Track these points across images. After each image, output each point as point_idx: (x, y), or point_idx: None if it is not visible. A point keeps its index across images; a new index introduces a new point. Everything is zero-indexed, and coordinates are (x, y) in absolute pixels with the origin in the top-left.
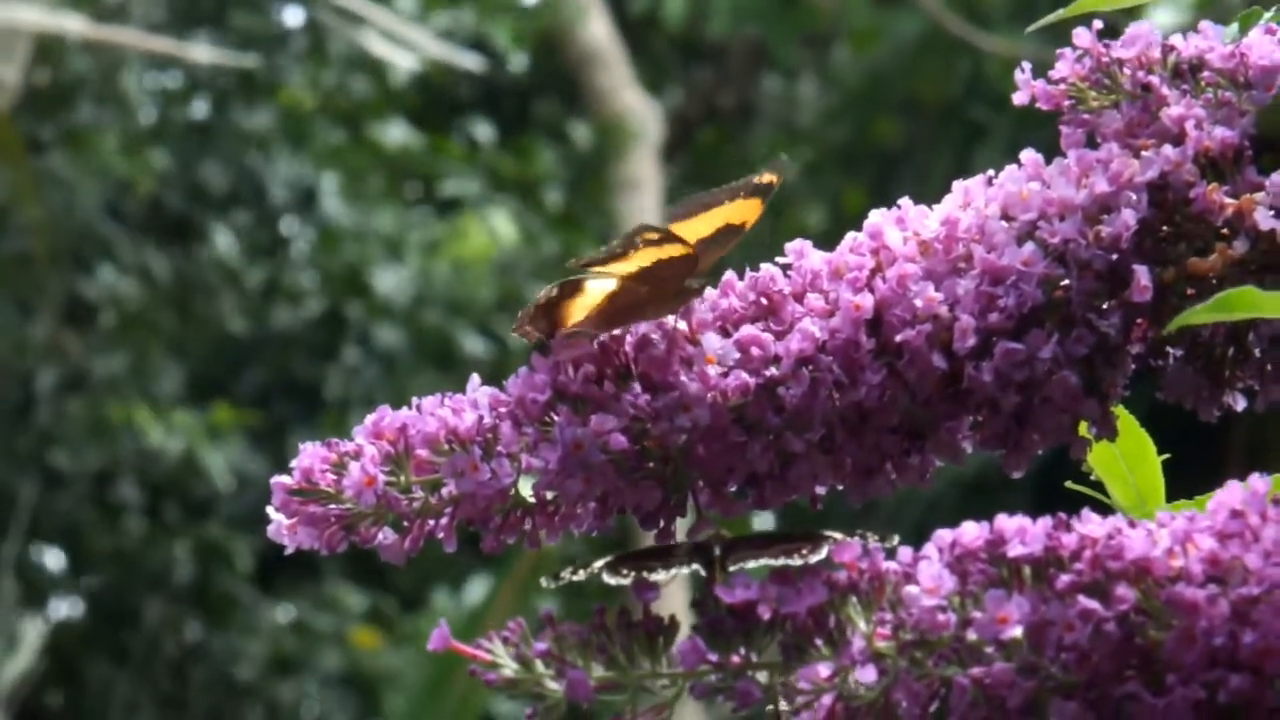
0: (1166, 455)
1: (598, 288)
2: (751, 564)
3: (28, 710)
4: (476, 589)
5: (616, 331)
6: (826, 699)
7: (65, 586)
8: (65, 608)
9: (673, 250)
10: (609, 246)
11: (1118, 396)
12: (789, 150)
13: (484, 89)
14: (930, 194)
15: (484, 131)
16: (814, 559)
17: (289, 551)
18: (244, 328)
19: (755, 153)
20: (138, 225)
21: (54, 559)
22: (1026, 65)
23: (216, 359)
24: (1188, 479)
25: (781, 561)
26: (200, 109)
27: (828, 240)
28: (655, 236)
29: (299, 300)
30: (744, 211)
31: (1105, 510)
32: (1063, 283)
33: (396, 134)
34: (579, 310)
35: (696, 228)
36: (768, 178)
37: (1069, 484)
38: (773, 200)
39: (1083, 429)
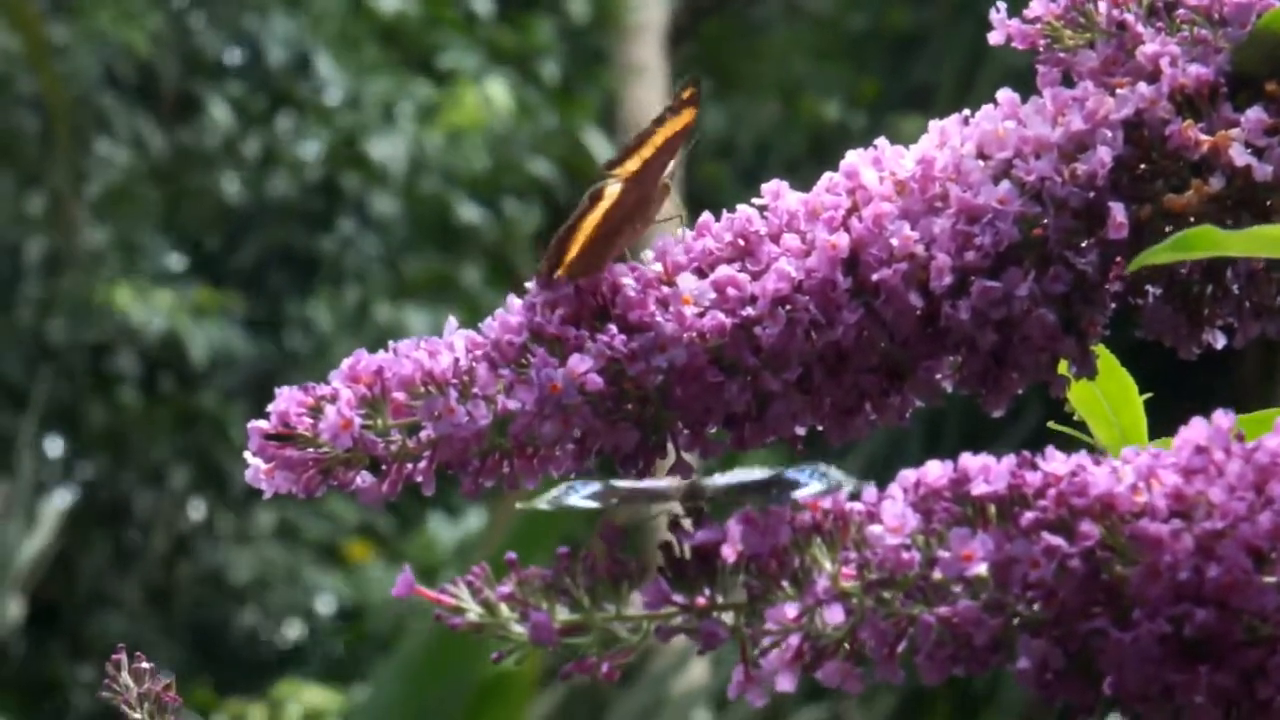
0: (1149, 395)
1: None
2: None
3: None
4: (474, 518)
5: (592, 274)
6: (794, 639)
7: (64, 474)
8: (65, 495)
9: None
10: (627, 143)
11: (1097, 335)
12: (800, 39)
13: None
14: (943, 83)
15: (483, 4)
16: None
17: (267, 496)
18: (241, 198)
19: (766, 45)
20: (134, 96)
21: (54, 446)
22: (1001, 5)
23: (213, 231)
24: (1176, 419)
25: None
26: None
27: (842, 132)
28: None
29: (296, 170)
30: (682, 120)
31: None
32: (1040, 221)
33: (391, 1)
34: (576, 242)
35: (643, 154)
36: (688, 91)
37: (1051, 424)
38: (787, 90)
39: (1063, 368)
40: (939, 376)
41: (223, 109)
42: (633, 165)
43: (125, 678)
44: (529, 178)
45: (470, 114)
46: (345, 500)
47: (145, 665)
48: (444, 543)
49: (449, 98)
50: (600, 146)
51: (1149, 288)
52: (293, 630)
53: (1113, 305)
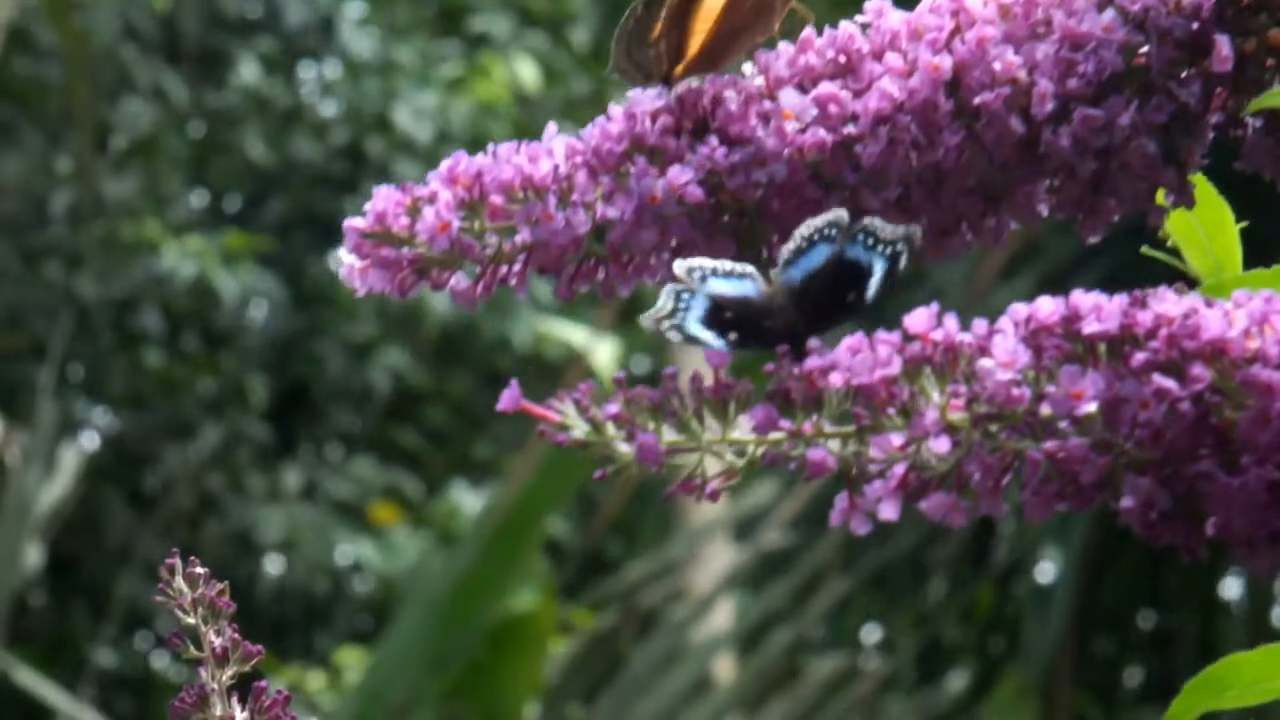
0: (1244, 224)
1: None
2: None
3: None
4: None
5: (694, 84)
6: (899, 469)
7: (88, 421)
8: (86, 442)
9: None
10: None
11: (1196, 165)
12: None
13: None
14: None
15: None
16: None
17: (360, 294)
18: (266, 156)
19: None
20: (156, 50)
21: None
22: None
23: (237, 188)
24: (1268, 250)
25: None
26: None
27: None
28: None
29: (321, 131)
30: None
31: (1181, 277)
32: (1142, 50)
33: None
34: (698, 34)
35: None
36: None
37: (1145, 250)
38: None
39: (1159, 197)
40: (1036, 200)
41: (249, 66)
42: None
43: (179, 582)
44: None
45: (497, 89)
46: (371, 463)
47: (199, 570)
48: (467, 509)
49: (477, 70)
50: None
51: (1249, 119)
52: (320, 589)
53: (1211, 136)
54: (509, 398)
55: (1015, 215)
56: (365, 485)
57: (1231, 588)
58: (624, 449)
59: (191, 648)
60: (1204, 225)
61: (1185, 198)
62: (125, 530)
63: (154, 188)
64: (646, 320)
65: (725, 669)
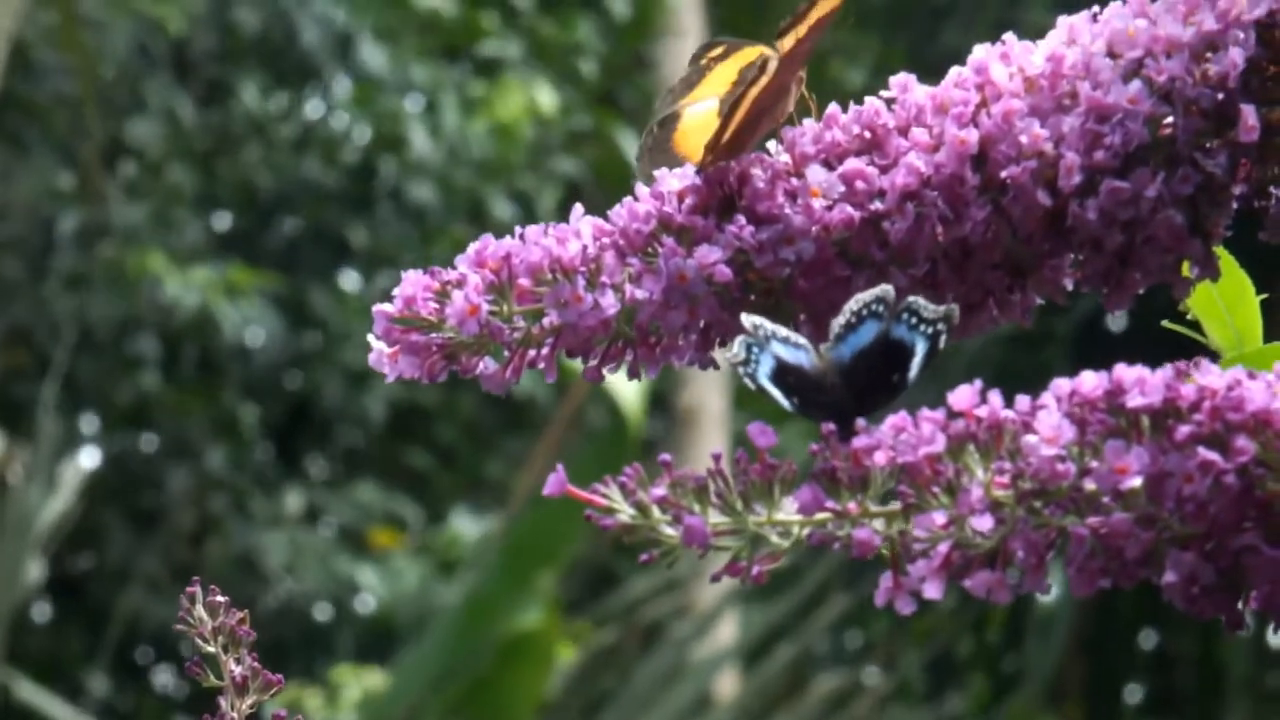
0: (1265, 296)
1: (696, 112)
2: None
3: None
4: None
5: (720, 163)
6: (943, 547)
7: (89, 438)
8: (87, 459)
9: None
10: (686, 77)
11: (1220, 237)
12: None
13: None
14: (972, 50)
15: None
16: None
17: (390, 380)
18: (272, 180)
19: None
20: (168, 71)
21: (87, 422)
22: None
23: (247, 209)
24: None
25: None
26: None
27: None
28: (721, 51)
29: (332, 151)
30: (830, 2)
31: (1201, 351)
32: (1167, 121)
33: None
34: (696, 135)
35: (797, 32)
36: None
37: (1166, 323)
38: (811, 60)
39: (1184, 269)
40: (1062, 275)
41: (253, 93)
42: (787, 43)
43: (200, 610)
44: (560, 177)
45: (515, 112)
46: (372, 488)
47: (220, 599)
48: (467, 538)
49: (496, 91)
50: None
51: (1273, 190)
52: (321, 613)
53: (1235, 207)
54: (555, 482)
55: (1041, 290)
56: (366, 510)
57: None
58: (670, 532)
59: (211, 676)
60: (1224, 297)
61: (1211, 270)
62: (127, 550)
63: (163, 213)
64: (724, 359)
65: (728, 685)
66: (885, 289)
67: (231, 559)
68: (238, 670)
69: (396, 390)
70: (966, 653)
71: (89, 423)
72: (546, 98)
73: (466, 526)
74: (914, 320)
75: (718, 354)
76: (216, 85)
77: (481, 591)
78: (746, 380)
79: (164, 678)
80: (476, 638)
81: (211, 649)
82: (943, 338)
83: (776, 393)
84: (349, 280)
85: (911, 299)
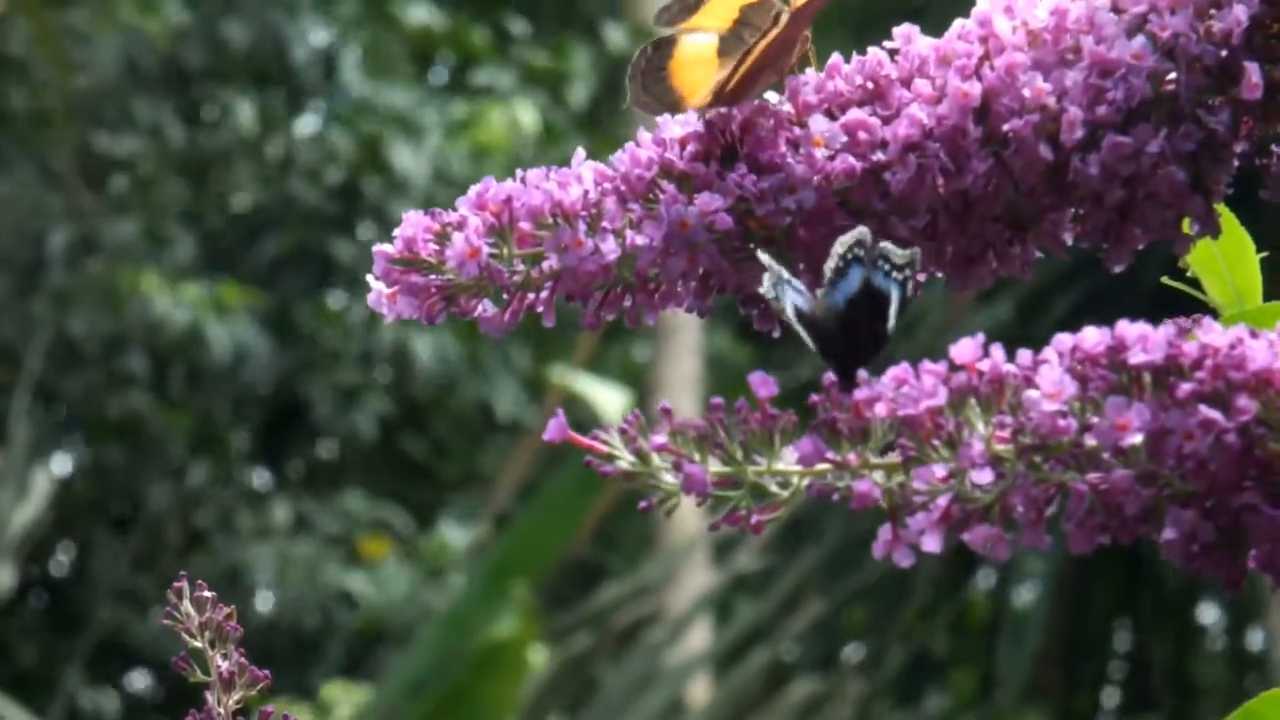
0: (1264, 254)
1: (694, 44)
2: None
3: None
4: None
5: (723, 110)
6: (942, 500)
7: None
8: (57, 466)
9: None
10: None
11: (1221, 194)
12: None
13: None
14: None
15: (519, 26)
16: None
17: (388, 320)
18: (258, 199)
19: None
20: (156, 87)
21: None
22: None
23: (232, 227)
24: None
25: None
26: None
27: None
28: None
29: (317, 172)
30: None
31: (1200, 307)
32: (1170, 77)
33: (419, 14)
34: (693, 69)
35: None
36: None
37: (1166, 280)
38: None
39: (1185, 226)
40: (1062, 229)
41: (246, 110)
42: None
43: (186, 606)
44: None
45: (496, 133)
46: (359, 496)
47: (206, 594)
48: (455, 545)
49: (477, 114)
50: None
51: (1275, 148)
52: (310, 622)
53: (1236, 164)
54: (556, 427)
55: (1041, 243)
56: (353, 519)
57: (1208, 613)
58: (670, 480)
59: (198, 671)
60: (1225, 255)
61: (1211, 227)
62: (111, 564)
63: (152, 231)
64: (761, 294)
65: (700, 691)
66: (862, 231)
67: (218, 573)
68: (224, 666)
69: (387, 405)
70: (944, 652)
71: (60, 430)
72: (528, 117)
73: (455, 535)
74: (887, 266)
75: (760, 289)
76: (204, 101)
77: (461, 600)
78: (780, 315)
79: (143, 679)
80: (452, 646)
81: (198, 644)
82: (909, 284)
83: (804, 332)
84: (335, 299)
85: (883, 244)
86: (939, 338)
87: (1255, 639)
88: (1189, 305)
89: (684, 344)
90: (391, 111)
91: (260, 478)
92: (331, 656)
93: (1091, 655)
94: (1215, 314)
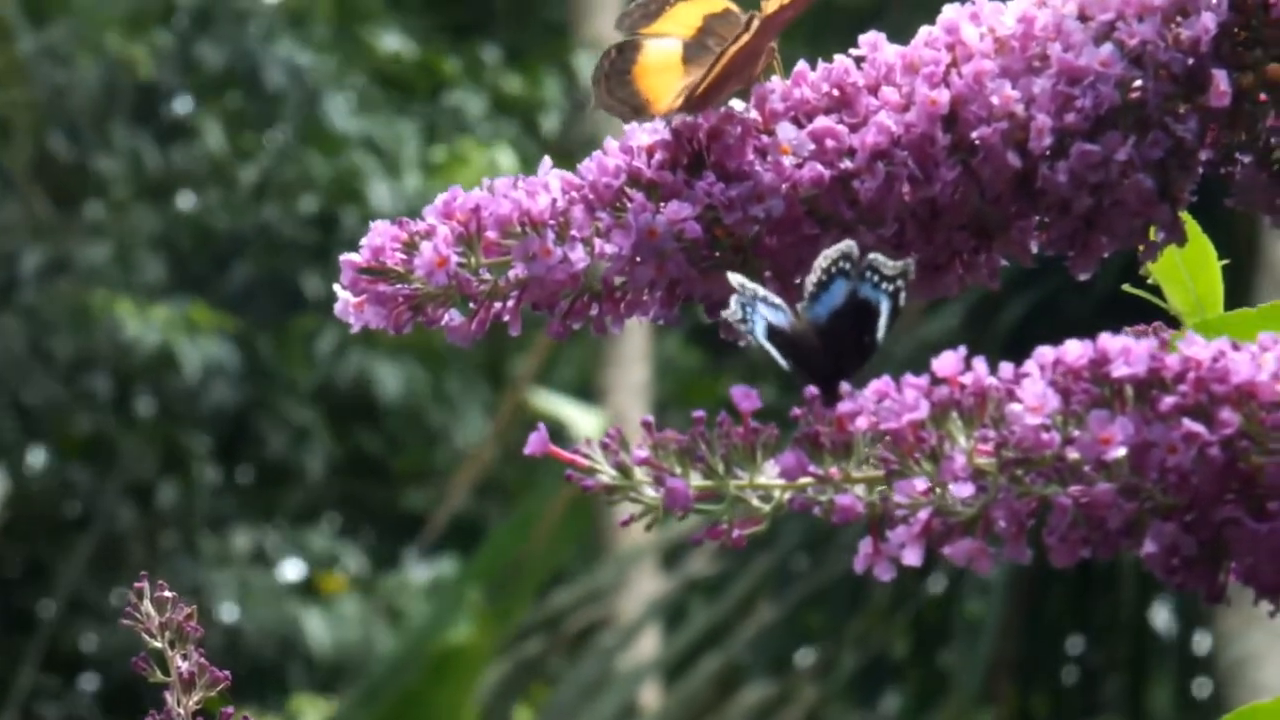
0: (1226, 261)
1: (658, 50)
2: None
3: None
4: (445, 565)
5: (690, 118)
6: (924, 514)
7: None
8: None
9: None
10: (644, 4)
11: (1186, 202)
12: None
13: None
14: None
15: (490, 54)
16: None
17: (355, 329)
18: (231, 224)
19: None
20: (133, 112)
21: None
22: None
23: (203, 252)
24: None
25: None
26: None
27: None
28: None
29: (290, 198)
30: None
31: (1155, 314)
32: (1137, 84)
33: (391, 41)
34: (658, 74)
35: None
36: None
37: (1127, 287)
38: None
39: (1151, 234)
40: (1029, 237)
41: (217, 135)
42: (771, 6)
43: (147, 606)
44: None
45: (474, 172)
46: (318, 533)
47: (167, 594)
48: (416, 582)
49: (455, 157)
50: None
51: (1240, 156)
52: (269, 650)
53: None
54: (537, 441)
55: (1008, 251)
56: (314, 556)
57: (1160, 615)
58: (651, 494)
59: (158, 671)
60: (1187, 263)
61: (1178, 235)
62: (74, 581)
63: (124, 255)
64: (725, 318)
65: (652, 697)
66: (849, 244)
67: (181, 592)
68: (184, 666)
69: (334, 445)
70: (900, 656)
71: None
72: (507, 159)
73: (415, 571)
74: (876, 278)
75: (723, 315)
76: (179, 125)
77: (420, 614)
78: (749, 339)
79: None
80: (409, 652)
81: (158, 644)
82: (901, 295)
83: (775, 352)
84: (299, 326)
85: (872, 256)
86: (889, 346)
87: (1203, 643)
88: (1141, 312)
89: (633, 348)
90: (364, 137)
91: (223, 501)
92: (293, 680)
93: (1045, 659)
94: (1170, 321)
